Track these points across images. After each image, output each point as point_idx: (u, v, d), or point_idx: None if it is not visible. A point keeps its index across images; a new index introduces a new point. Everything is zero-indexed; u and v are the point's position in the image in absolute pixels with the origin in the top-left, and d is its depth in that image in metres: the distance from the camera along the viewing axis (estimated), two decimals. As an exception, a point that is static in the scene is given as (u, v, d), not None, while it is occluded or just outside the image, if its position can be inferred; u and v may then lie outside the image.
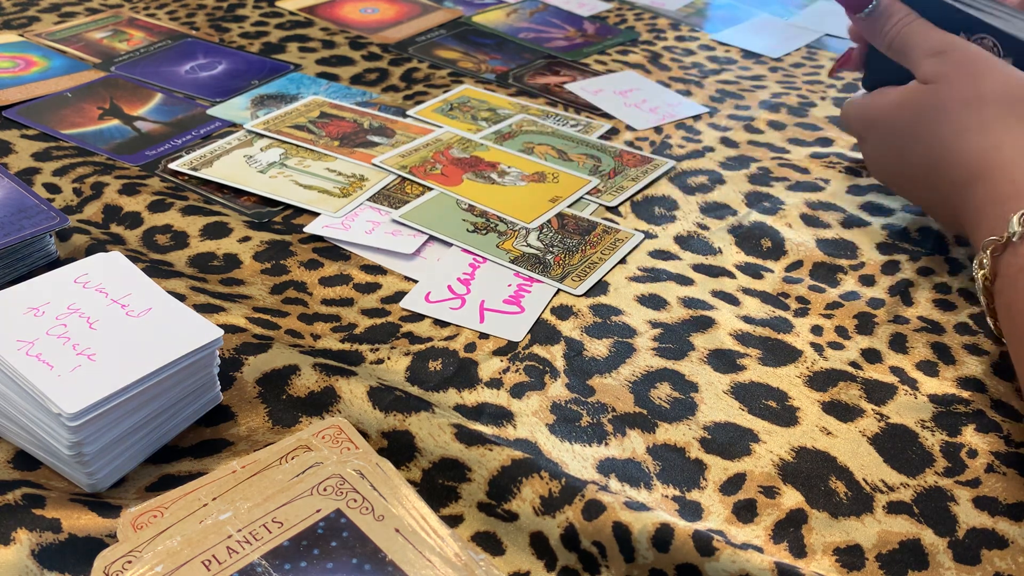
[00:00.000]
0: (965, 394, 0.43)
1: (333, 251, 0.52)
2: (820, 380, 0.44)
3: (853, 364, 0.45)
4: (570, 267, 0.51)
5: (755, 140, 0.67)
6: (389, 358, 0.43)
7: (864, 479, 0.38)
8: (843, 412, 0.42)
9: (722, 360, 0.45)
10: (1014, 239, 0.41)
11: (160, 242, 0.52)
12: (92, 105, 0.67)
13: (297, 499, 0.33)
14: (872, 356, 0.45)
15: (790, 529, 0.36)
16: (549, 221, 0.55)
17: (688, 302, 0.49)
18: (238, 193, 0.57)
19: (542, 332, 0.46)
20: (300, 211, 0.55)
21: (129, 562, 0.31)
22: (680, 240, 0.55)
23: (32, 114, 0.65)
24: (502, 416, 0.40)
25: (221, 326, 0.41)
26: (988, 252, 0.42)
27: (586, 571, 0.35)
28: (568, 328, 0.46)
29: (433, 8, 0.90)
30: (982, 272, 0.42)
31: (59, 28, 0.80)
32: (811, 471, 0.39)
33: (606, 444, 0.39)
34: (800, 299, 0.50)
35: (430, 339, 0.45)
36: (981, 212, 0.45)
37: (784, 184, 0.61)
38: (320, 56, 0.77)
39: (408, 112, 0.68)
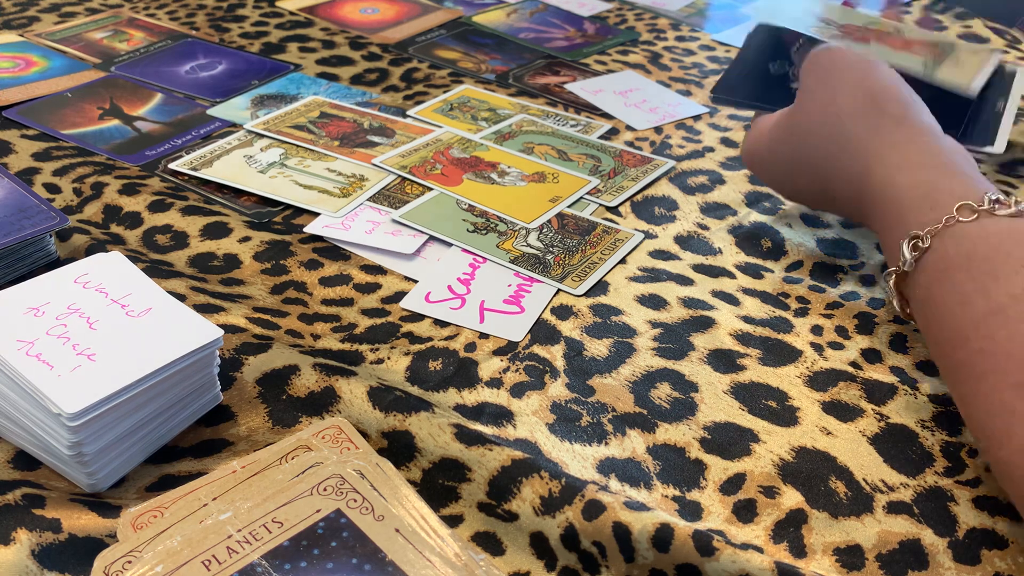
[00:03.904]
0: (965, 394, 0.43)
1: (333, 251, 0.52)
2: (820, 380, 0.44)
3: (853, 364, 0.45)
4: (570, 267, 0.51)
5: (755, 140, 0.67)
6: (389, 358, 0.43)
7: (864, 479, 0.38)
8: (843, 412, 0.42)
9: (722, 360, 0.45)
10: (906, 267, 0.41)
11: (160, 242, 0.52)
12: (92, 105, 0.67)
13: (297, 499, 0.33)
14: (872, 356, 0.45)
15: (790, 529, 0.36)
16: (549, 221, 0.55)
17: (688, 302, 0.49)
18: (238, 193, 0.57)
19: (542, 332, 0.46)
20: (300, 211, 0.55)
21: (129, 562, 0.31)
22: (680, 240, 0.55)
23: (32, 114, 0.65)
24: (502, 416, 0.40)
25: (221, 326, 0.41)
26: (891, 283, 0.42)
27: (586, 571, 0.35)
28: (568, 328, 0.46)
29: (433, 8, 0.90)
30: (894, 300, 0.43)
31: (59, 28, 0.80)
32: (811, 471, 0.39)
33: (606, 444, 0.39)
34: (800, 299, 0.50)
35: (430, 339, 0.45)
36: (879, 235, 0.45)
37: (784, 184, 0.61)
38: (320, 56, 0.77)
39: (408, 112, 0.68)
